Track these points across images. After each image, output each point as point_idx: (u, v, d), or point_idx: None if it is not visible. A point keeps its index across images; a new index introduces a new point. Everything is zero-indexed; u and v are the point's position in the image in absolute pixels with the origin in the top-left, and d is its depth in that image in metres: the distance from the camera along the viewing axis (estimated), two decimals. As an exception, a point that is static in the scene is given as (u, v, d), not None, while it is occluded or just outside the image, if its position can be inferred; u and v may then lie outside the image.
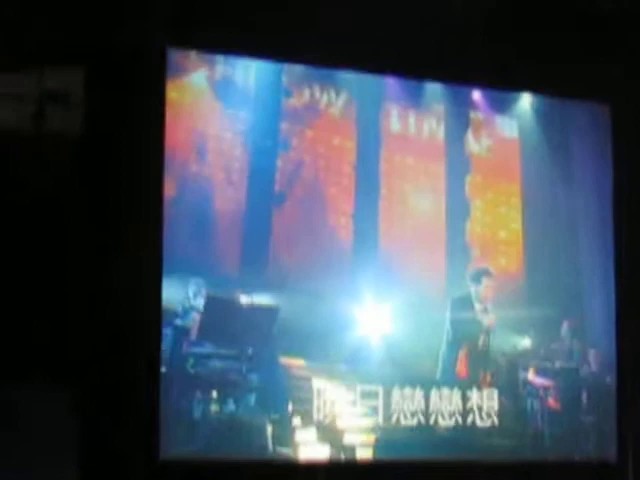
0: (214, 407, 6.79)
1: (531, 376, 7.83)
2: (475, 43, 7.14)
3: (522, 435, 7.77)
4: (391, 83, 7.73)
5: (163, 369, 6.58)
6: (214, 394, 6.79)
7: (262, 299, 7.01)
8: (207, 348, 6.81)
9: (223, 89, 7.12)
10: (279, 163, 7.29)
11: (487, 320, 7.71)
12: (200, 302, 6.81)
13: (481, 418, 7.60)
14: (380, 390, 7.35)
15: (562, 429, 7.82)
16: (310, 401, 7.16)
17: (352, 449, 7.21)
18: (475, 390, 7.60)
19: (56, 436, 5.45)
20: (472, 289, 7.73)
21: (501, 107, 8.07)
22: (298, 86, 7.43)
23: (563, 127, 8.07)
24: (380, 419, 7.36)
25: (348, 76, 7.53)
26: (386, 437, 7.34)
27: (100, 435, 5.60)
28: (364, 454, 7.24)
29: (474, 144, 7.97)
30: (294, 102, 7.39)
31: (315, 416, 7.15)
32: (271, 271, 7.15)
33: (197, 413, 6.75)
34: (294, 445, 7.04)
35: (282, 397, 7.05)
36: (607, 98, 7.57)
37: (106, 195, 5.68)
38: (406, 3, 6.76)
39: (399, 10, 6.78)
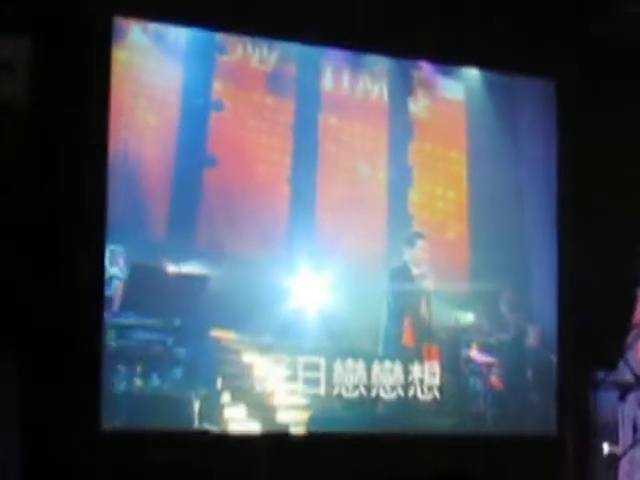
0: (138, 382, 6.36)
1: (474, 353, 7.51)
2: (423, 18, 7.01)
3: (464, 415, 7.45)
4: (333, 43, 7.30)
5: (82, 341, 6.14)
6: (137, 368, 6.36)
7: (191, 267, 6.61)
8: (130, 319, 6.38)
9: (157, 44, 6.69)
10: (211, 123, 6.84)
11: (427, 284, 7.36)
12: (123, 270, 6.37)
13: (422, 392, 7.28)
14: (322, 362, 7.00)
15: (505, 410, 7.52)
16: (241, 376, 6.75)
17: (285, 427, 6.84)
18: (417, 364, 7.27)
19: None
20: (407, 253, 7.34)
21: (447, 71, 7.71)
22: (232, 43, 6.97)
23: (510, 99, 7.80)
24: (322, 391, 7.01)
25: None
26: (324, 411, 6.99)
27: (41, 403, 5.53)
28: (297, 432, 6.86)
29: (418, 108, 7.57)
30: (228, 59, 6.94)
31: (246, 392, 6.74)
32: (201, 238, 6.73)
33: (120, 388, 6.34)
34: (223, 422, 6.65)
35: (211, 372, 6.63)
36: (552, 74, 7.46)
37: (53, 162, 5.62)
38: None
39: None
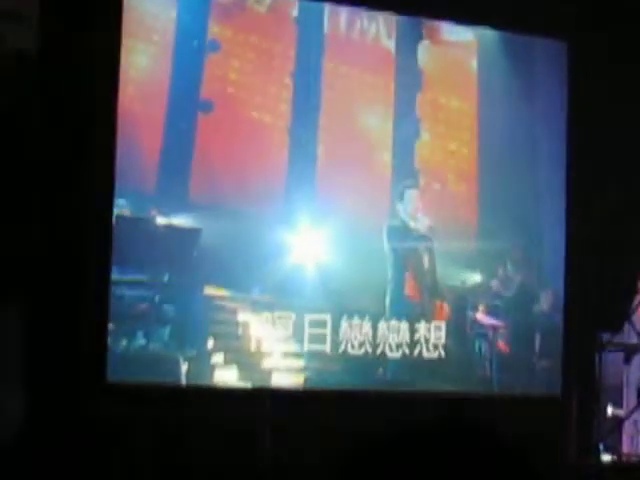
0: (122, 341, 5.96)
1: (480, 315, 7.07)
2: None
3: (468, 379, 7.03)
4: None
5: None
6: (122, 326, 5.95)
7: (182, 220, 6.20)
8: (115, 274, 5.94)
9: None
10: (206, 66, 6.36)
11: (428, 236, 6.86)
12: (109, 222, 5.94)
13: (428, 350, 6.84)
14: (326, 320, 6.55)
15: (512, 375, 7.10)
16: (234, 336, 6.33)
17: (279, 390, 6.41)
18: (424, 322, 6.82)
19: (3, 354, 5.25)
20: (400, 208, 6.81)
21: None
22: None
23: (523, 56, 7.31)
24: (324, 350, 6.58)
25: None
26: (321, 374, 6.58)
27: (47, 354, 5.37)
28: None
29: (427, 57, 7.08)
30: (224, -1, 6.43)
31: (239, 353, 6.32)
32: (193, 189, 6.29)
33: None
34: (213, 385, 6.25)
35: (201, 331, 6.21)
36: (565, 36, 7.09)
37: (61, 112, 5.43)
38: None
39: None
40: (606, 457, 6.81)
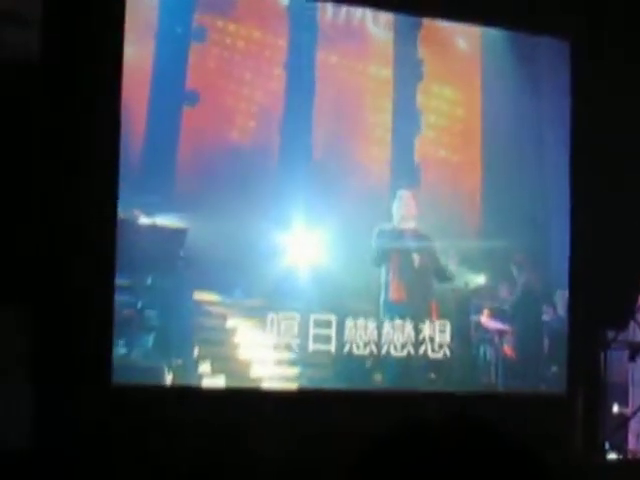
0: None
1: (485, 319, 6.68)
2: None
3: (472, 386, 6.61)
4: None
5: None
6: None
7: (166, 220, 5.81)
8: (94, 277, 5.46)
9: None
10: (192, 56, 5.96)
11: (415, 229, 6.44)
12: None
13: (433, 350, 6.46)
14: (333, 320, 6.18)
15: (519, 381, 6.72)
16: (222, 344, 5.92)
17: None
18: (427, 323, 6.44)
19: (8, 356, 5.11)
20: (394, 208, 6.40)
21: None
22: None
23: (526, 53, 6.93)
24: (330, 352, 6.21)
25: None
26: (312, 381, 6.18)
27: (52, 357, 5.23)
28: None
29: (427, 45, 6.67)
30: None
31: (227, 362, 5.91)
32: (179, 186, 5.89)
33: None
34: (200, 396, 5.83)
35: (187, 339, 5.81)
36: (567, 35, 6.85)
37: (64, 115, 5.32)
38: None
39: None
40: (612, 455, 6.65)
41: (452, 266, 6.53)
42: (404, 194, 6.40)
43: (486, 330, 6.67)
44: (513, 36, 6.83)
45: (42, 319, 5.23)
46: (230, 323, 5.92)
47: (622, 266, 6.66)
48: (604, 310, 6.65)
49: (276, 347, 6.01)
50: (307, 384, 6.10)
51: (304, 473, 5.53)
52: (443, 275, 6.50)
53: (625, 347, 6.95)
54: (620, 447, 6.77)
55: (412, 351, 6.38)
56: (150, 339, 5.61)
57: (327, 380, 6.22)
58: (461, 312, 6.59)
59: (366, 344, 6.25)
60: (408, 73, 6.60)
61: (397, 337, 6.32)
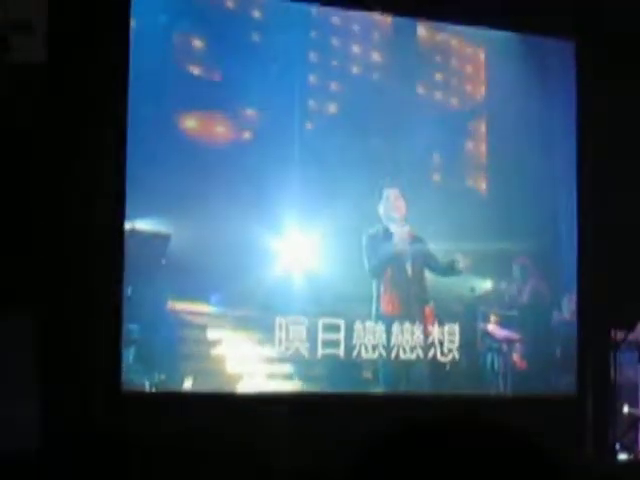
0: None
1: (492, 327, 6.30)
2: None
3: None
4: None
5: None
6: (77, 348, 5.14)
7: (147, 224, 5.37)
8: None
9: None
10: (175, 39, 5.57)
11: (406, 231, 6.04)
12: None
13: (442, 353, 6.11)
14: (341, 324, 5.83)
15: (529, 392, 6.33)
16: (208, 358, 5.48)
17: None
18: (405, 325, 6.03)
19: (17, 362, 4.96)
20: (380, 210, 5.99)
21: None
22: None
23: (532, 53, 6.57)
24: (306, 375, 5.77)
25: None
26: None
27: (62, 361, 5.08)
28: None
29: (428, 36, 6.28)
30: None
31: (214, 377, 5.49)
32: (160, 187, 5.40)
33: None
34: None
35: (171, 352, 5.37)
36: (572, 35, 6.62)
37: (72, 122, 5.21)
38: None
39: None
40: (622, 456, 6.39)
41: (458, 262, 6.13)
42: (391, 192, 6.00)
43: (494, 338, 6.28)
44: (518, 37, 6.49)
45: (52, 322, 5.08)
46: (217, 335, 5.49)
47: (631, 266, 6.43)
48: (613, 311, 6.41)
49: (268, 360, 5.58)
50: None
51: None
52: (447, 268, 6.10)
53: (635, 348, 6.64)
54: (631, 448, 6.52)
55: (421, 354, 6.04)
56: (131, 353, 5.22)
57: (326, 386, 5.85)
58: (467, 320, 6.19)
59: (374, 347, 5.90)
60: (407, 62, 6.20)
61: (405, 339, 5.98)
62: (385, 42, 6.13)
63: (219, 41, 5.63)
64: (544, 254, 6.44)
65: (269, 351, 5.61)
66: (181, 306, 5.38)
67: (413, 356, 5.97)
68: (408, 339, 5.95)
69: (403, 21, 6.19)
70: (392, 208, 5.97)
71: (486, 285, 6.29)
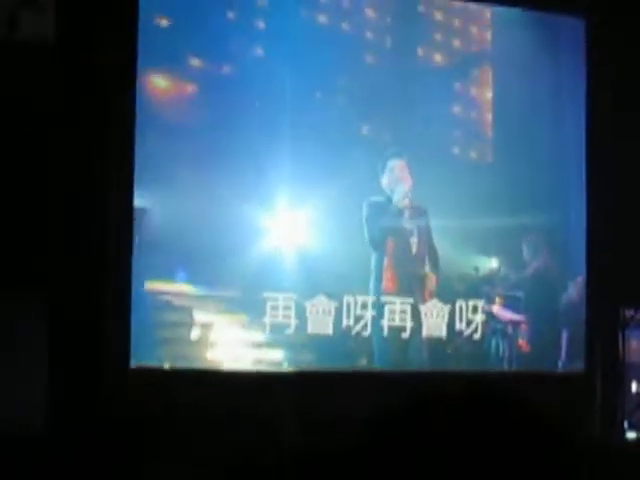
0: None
1: (497, 309, 5.94)
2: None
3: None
4: None
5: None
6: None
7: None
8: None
9: None
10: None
11: (411, 205, 5.67)
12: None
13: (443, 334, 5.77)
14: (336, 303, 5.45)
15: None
16: (188, 342, 5.12)
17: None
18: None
19: (26, 340, 4.84)
20: (384, 182, 5.62)
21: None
22: None
23: (540, 30, 6.22)
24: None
25: None
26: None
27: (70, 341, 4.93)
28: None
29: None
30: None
31: (195, 364, 5.13)
32: (136, 157, 5.03)
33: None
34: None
35: (148, 338, 5.02)
36: (583, 13, 6.32)
37: (79, 99, 5.05)
38: None
39: None
40: (631, 434, 6.27)
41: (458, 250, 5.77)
42: (396, 163, 5.62)
43: (498, 321, 5.93)
44: (525, 15, 6.13)
45: (59, 302, 4.93)
46: (199, 317, 5.11)
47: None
48: (622, 288, 6.21)
49: (256, 345, 5.22)
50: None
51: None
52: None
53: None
54: (639, 426, 6.36)
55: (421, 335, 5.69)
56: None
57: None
58: (470, 300, 5.83)
59: (372, 326, 5.55)
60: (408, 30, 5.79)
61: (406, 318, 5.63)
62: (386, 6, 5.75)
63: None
64: (552, 232, 6.11)
65: (256, 335, 5.22)
66: (159, 285, 5.01)
67: (412, 336, 5.63)
68: (408, 318, 5.60)
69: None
70: (397, 180, 5.60)
71: (491, 264, 5.93)
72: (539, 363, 5.99)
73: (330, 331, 5.42)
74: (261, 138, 5.26)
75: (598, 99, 6.28)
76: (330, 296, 5.41)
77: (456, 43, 5.92)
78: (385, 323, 5.55)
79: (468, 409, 1.67)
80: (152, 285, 4.96)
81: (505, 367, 5.91)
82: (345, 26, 5.59)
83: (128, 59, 5.13)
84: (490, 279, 5.92)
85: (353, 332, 5.48)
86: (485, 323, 5.85)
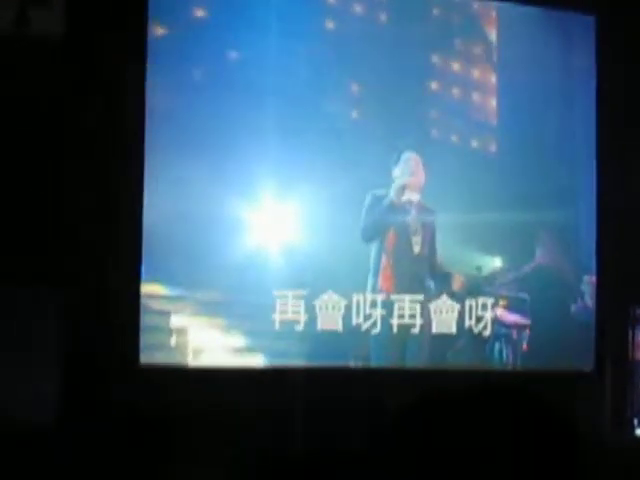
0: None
1: (501, 311, 5.62)
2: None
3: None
4: None
5: None
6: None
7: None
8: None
9: None
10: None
11: (424, 214, 5.40)
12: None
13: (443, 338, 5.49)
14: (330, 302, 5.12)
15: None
16: (167, 348, 4.79)
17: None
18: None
19: (38, 336, 4.73)
20: (396, 174, 5.30)
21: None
22: None
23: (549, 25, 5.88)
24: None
25: None
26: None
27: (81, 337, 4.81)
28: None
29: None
30: None
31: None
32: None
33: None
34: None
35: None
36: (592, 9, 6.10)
37: (88, 97, 4.97)
38: None
39: None
40: None
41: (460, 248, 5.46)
42: (412, 157, 5.30)
43: (502, 324, 5.61)
44: (533, 10, 5.83)
45: (72, 300, 4.79)
46: (177, 321, 4.76)
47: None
48: (632, 286, 6.07)
49: (238, 352, 4.88)
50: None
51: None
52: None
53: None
54: (649, 424, 6.30)
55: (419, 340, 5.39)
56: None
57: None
58: (472, 302, 5.51)
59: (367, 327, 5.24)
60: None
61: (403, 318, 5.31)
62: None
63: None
64: (560, 230, 5.80)
65: (237, 341, 4.87)
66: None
67: (411, 339, 5.34)
68: (405, 320, 5.30)
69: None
70: (411, 176, 5.30)
71: (495, 264, 5.59)
72: (546, 364, 5.68)
73: (340, 327, 5.16)
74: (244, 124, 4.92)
75: (609, 97, 6.09)
76: (339, 294, 5.15)
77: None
78: (384, 324, 5.26)
79: (480, 407, 1.67)
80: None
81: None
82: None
83: (139, 56, 5.01)
84: (493, 279, 5.59)
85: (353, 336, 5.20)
86: (487, 327, 5.54)
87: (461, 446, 1.64)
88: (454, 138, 5.49)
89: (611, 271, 6.06)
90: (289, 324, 5.00)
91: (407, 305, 5.29)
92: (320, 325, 5.07)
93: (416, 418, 1.71)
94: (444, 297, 5.39)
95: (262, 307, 4.91)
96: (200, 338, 4.79)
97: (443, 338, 5.41)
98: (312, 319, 5.04)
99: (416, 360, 5.37)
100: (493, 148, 5.60)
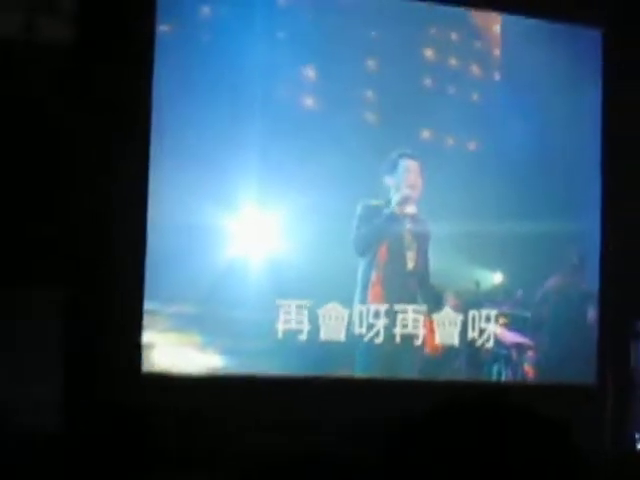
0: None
1: (500, 330, 5.36)
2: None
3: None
4: None
5: None
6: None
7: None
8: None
9: None
10: None
11: (420, 225, 5.17)
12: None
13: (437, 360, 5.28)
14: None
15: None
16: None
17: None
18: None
19: (41, 338, 4.67)
20: (390, 184, 5.05)
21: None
22: None
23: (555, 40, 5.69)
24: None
25: None
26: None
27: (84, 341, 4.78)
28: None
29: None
30: None
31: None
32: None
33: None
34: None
35: None
36: (599, 23, 6.05)
37: (96, 104, 4.93)
38: None
39: None
40: None
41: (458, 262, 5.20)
42: (411, 165, 5.05)
43: (501, 344, 5.36)
44: (539, 24, 5.67)
45: (75, 303, 4.75)
46: (145, 338, 4.52)
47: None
48: (634, 299, 5.96)
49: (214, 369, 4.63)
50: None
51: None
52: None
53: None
54: (650, 438, 6.24)
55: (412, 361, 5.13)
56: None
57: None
58: (469, 320, 5.26)
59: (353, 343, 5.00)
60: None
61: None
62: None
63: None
64: (564, 243, 5.55)
65: (214, 360, 4.60)
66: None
67: (403, 359, 5.11)
68: (397, 338, 5.06)
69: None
70: (408, 183, 5.07)
71: (494, 278, 5.33)
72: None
73: (343, 336, 4.94)
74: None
75: (614, 110, 5.96)
76: (343, 302, 4.94)
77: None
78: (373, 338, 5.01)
79: (481, 420, 1.67)
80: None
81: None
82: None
83: (147, 62, 4.94)
84: (492, 296, 5.34)
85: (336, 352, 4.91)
86: (485, 347, 5.32)
87: (460, 459, 1.65)
88: (451, 143, 5.25)
89: (613, 286, 5.94)
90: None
91: (404, 316, 5.10)
92: (323, 335, 4.88)
93: (419, 431, 1.72)
94: (447, 309, 5.18)
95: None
96: (169, 356, 4.57)
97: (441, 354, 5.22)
98: (314, 329, 4.87)
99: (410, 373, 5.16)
100: (494, 158, 5.36)
